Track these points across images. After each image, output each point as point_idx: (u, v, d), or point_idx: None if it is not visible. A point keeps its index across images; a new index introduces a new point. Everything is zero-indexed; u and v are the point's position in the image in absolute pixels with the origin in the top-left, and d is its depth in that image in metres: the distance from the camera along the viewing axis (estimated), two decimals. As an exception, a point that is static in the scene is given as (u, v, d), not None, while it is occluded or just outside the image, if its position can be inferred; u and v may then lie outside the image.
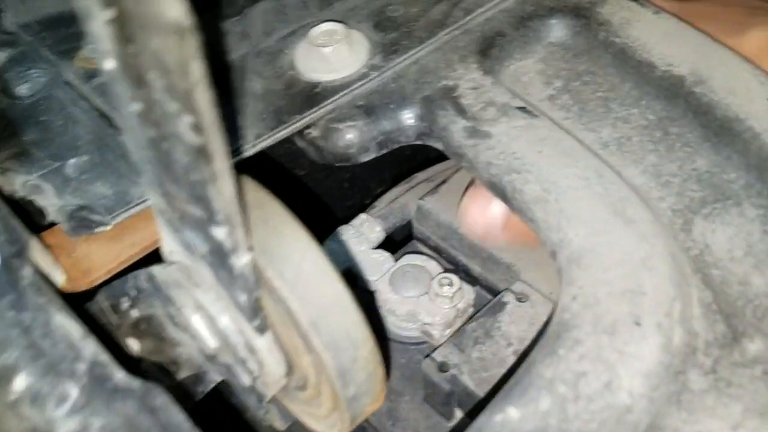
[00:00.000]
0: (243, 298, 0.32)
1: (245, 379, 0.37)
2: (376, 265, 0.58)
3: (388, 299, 0.56)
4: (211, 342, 0.37)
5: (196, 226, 0.30)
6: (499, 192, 0.44)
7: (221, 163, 0.26)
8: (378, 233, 0.60)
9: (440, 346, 0.53)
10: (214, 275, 0.34)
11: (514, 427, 0.34)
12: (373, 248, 0.60)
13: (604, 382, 0.35)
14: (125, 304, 0.41)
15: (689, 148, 0.45)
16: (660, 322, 0.36)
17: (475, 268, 0.59)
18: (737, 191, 0.43)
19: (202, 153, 0.25)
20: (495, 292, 0.57)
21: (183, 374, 0.42)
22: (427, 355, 0.52)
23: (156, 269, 0.39)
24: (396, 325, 0.57)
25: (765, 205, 0.42)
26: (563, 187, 0.42)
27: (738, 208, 0.42)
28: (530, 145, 0.44)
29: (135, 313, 0.42)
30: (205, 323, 0.37)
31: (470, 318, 0.55)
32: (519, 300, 0.54)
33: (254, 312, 0.33)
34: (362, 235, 0.60)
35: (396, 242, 0.64)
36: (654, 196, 0.43)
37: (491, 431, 0.34)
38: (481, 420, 0.35)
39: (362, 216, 0.61)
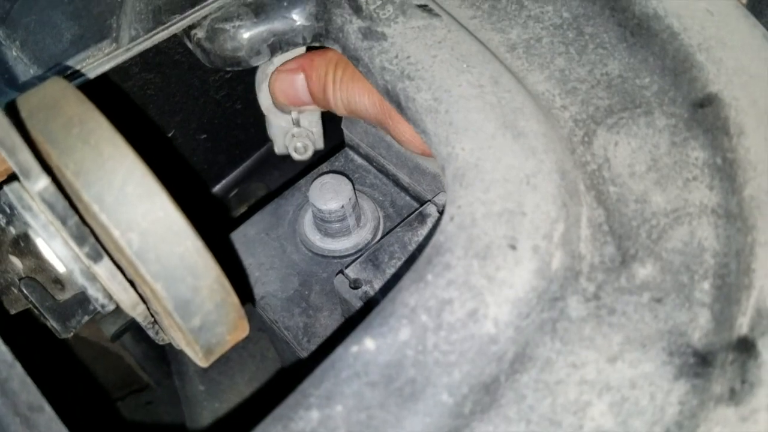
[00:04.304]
0: (59, 224, 0.29)
1: (96, 305, 0.35)
2: None
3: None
4: (59, 266, 0.35)
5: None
6: (394, 100, 0.40)
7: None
8: None
9: (355, 260, 0.50)
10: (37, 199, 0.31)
11: (368, 358, 0.32)
12: None
13: (468, 310, 0.32)
14: (1, 221, 0.39)
15: (603, 50, 0.40)
16: (537, 246, 0.33)
17: (404, 177, 0.56)
18: (649, 98, 0.38)
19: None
20: (423, 202, 0.54)
21: (67, 294, 0.40)
22: (340, 271, 0.50)
23: (6, 188, 0.37)
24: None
25: (677, 114, 0.38)
26: (455, 97, 0.38)
27: (647, 117, 0.38)
28: (426, 48, 0.40)
29: (12, 231, 0.40)
30: (49, 247, 0.35)
31: (390, 231, 0.52)
32: (441, 213, 0.51)
33: (80, 239, 0.30)
34: None
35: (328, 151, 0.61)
36: (557, 105, 0.39)
37: (344, 364, 0.32)
38: (337, 352, 0.32)
39: None
